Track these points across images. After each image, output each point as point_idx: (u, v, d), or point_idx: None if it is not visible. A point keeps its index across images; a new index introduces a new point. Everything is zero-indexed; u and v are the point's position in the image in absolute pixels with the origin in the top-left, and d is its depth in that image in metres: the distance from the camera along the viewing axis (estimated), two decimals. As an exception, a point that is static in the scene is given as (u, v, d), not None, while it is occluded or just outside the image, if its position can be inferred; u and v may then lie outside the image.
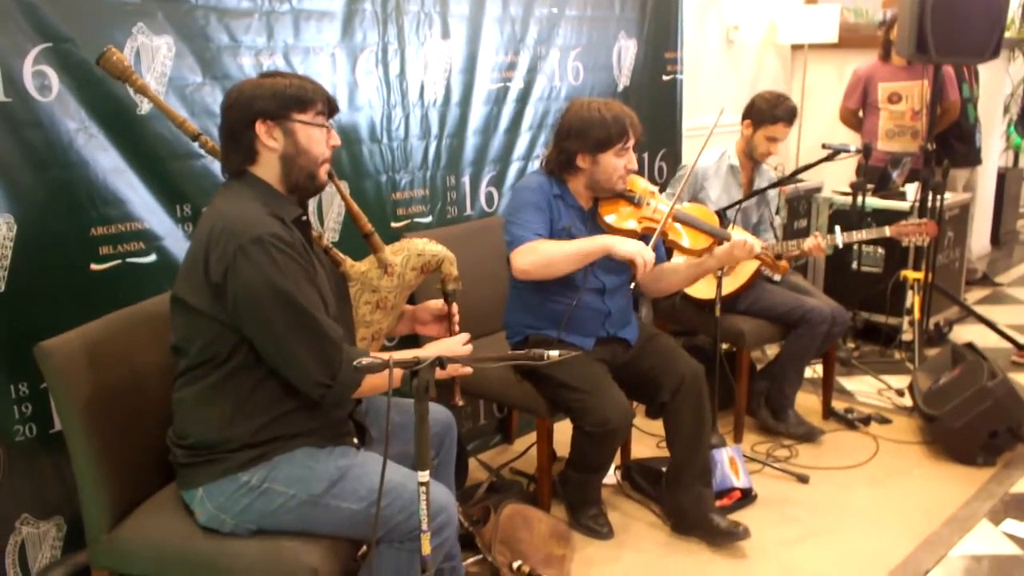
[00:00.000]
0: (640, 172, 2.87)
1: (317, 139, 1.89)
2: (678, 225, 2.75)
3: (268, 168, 1.89)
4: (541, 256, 2.53)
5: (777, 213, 3.67)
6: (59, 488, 2.25)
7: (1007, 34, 4.60)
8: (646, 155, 3.86)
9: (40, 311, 2.16)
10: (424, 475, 1.60)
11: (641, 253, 2.48)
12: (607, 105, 2.60)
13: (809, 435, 3.44)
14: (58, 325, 1.94)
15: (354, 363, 1.56)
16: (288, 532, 1.87)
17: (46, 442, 2.23)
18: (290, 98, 1.85)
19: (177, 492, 1.95)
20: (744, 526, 2.70)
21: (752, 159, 3.46)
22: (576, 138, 2.58)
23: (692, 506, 2.75)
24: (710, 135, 2.81)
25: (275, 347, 1.81)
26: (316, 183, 1.93)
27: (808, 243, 3.27)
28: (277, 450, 1.88)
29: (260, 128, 1.84)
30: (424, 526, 1.63)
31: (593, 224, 2.70)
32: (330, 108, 1.93)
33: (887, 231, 3.38)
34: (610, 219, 2.68)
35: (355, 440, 2.02)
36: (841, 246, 3.31)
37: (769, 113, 3.33)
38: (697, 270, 2.76)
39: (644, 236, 2.66)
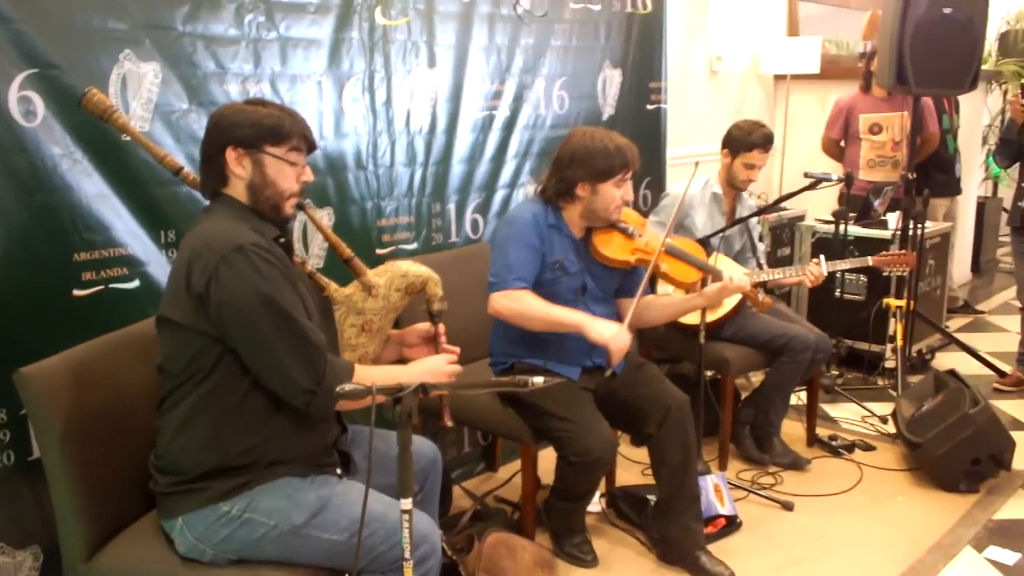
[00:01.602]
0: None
1: (286, 174, 1.89)
2: (669, 258, 2.77)
3: (237, 193, 1.90)
4: (521, 308, 2.56)
5: (760, 240, 3.71)
6: (36, 517, 2.22)
7: (984, 66, 4.68)
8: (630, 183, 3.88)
9: (22, 337, 2.14)
10: (407, 503, 1.59)
11: (616, 339, 2.49)
12: (610, 135, 2.62)
13: (795, 464, 3.45)
14: (40, 351, 1.92)
15: (337, 390, 1.55)
16: (269, 562, 1.85)
17: (24, 470, 2.20)
18: (266, 129, 1.85)
19: (157, 521, 1.93)
20: (731, 572, 2.67)
21: (734, 187, 3.50)
22: (579, 166, 2.59)
23: (680, 539, 2.74)
24: (687, 189, 2.88)
25: (259, 353, 1.80)
26: (280, 215, 1.93)
27: (814, 271, 3.31)
28: (258, 480, 1.86)
29: (230, 154, 1.85)
30: (407, 554, 1.62)
31: (585, 254, 2.71)
32: (308, 145, 1.93)
33: (869, 261, 3.46)
34: (604, 250, 2.69)
35: (338, 470, 2.00)
36: (826, 274, 3.36)
37: (744, 141, 3.40)
38: (684, 307, 2.77)
39: (637, 267, 2.68)
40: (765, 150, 3.41)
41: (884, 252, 3.51)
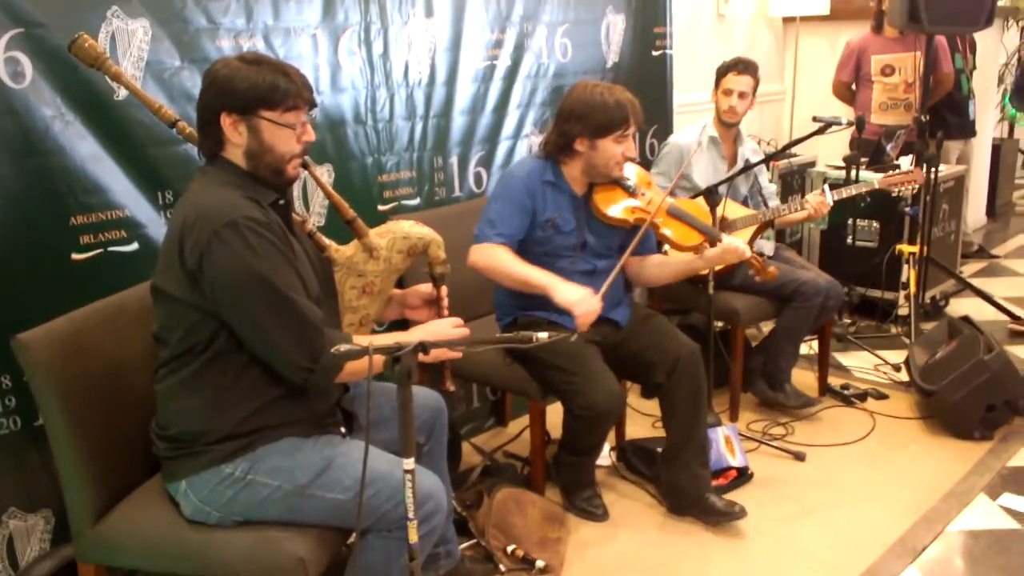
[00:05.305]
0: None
1: (283, 137, 1.82)
2: (670, 219, 2.71)
3: (235, 158, 1.84)
4: (492, 263, 2.54)
5: (769, 182, 3.67)
6: (46, 481, 2.22)
7: (1000, 2, 4.56)
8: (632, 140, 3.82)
9: (21, 302, 2.13)
10: (409, 462, 1.57)
11: (581, 304, 2.41)
12: (611, 90, 2.56)
13: (806, 405, 3.43)
14: (39, 316, 1.91)
15: (332, 350, 1.53)
16: (275, 523, 1.84)
17: (31, 435, 2.20)
18: (260, 94, 1.78)
19: (162, 484, 1.92)
20: (740, 506, 2.68)
21: (723, 124, 3.45)
22: (576, 121, 2.55)
23: (689, 486, 2.73)
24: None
25: (254, 332, 1.78)
26: (283, 179, 1.87)
27: (813, 200, 3.31)
28: (261, 441, 1.85)
29: (225, 121, 1.79)
30: (410, 514, 1.60)
31: (585, 211, 2.66)
32: (307, 103, 1.85)
33: (876, 183, 3.44)
34: (604, 207, 2.64)
35: (342, 428, 1.99)
36: (832, 203, 3.33)
37: (720, 69, 3.42)
38: (684, 268, 2.73)
39: (635, 226, 2.64)
40: (739, 72, 3.38)
41: (891, 172, 3.50)
